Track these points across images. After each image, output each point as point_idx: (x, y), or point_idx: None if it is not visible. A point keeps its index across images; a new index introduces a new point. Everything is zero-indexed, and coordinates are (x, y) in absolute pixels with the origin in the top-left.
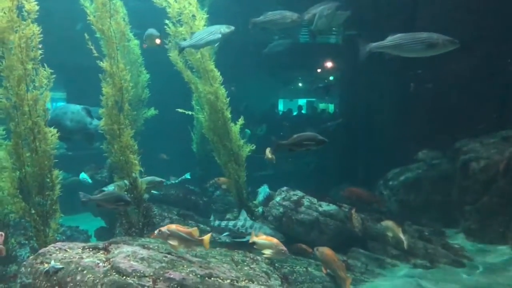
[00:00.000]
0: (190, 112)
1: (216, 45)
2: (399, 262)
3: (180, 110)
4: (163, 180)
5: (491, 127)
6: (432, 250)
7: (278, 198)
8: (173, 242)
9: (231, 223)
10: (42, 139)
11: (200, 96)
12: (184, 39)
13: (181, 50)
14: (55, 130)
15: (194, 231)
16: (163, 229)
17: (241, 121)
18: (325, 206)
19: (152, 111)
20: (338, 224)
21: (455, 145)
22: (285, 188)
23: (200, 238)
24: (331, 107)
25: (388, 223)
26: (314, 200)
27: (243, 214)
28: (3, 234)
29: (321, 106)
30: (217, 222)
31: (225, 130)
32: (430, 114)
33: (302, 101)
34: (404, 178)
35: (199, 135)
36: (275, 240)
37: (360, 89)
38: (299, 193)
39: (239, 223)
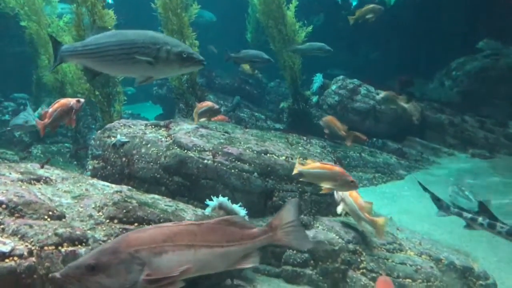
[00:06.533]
0: None
1: None
2: (456, 152)
3: None
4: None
5: None
6: (493, 140)
7: (333, 87)
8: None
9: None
10: (100, 20)
11: None
12: None
13: None
14: (112, 12)
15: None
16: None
17: (294, 2)
18: (383, 95)
19: None
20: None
21: None
22: (341, 76)
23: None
24: None
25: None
26: (372, 89)
27: None
28: (80, 100)
29: None
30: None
31: (280, 14)
32: None
33: None
34: (469, 68)
35: (254, 24)
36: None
37: None
38: (356, 81)
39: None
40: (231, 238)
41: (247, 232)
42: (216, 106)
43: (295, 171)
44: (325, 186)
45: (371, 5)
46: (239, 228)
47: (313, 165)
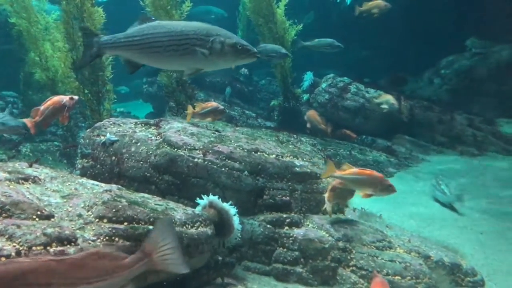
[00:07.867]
0: None
1: None
2: (445, 149)
3: None
4: None
5: None
6: (482, 138)
7: (324, 85)
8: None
9: None
10: (89, 18)
11: None
12: None
13: None
14: (101, 10)
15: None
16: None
17: (284, 0)
18: (373, 93)
19: None
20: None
21: None
22: (331, 75)
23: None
24: None
25: None
26: (361, 87)
27: None
28: (74, 97)
29: None
30: None
31: (270, 12)
32: None
33: None
34: (458, 66)
35: (245, 22)
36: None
37: None
38: (346, 79)
39: None
40: (100, 273)
41: (118, 264)
42: (221, 107)
43: (328, 174)
44: (365, 191)
45: (379, 0)
46: (109, 261)
47: (351, 171)
